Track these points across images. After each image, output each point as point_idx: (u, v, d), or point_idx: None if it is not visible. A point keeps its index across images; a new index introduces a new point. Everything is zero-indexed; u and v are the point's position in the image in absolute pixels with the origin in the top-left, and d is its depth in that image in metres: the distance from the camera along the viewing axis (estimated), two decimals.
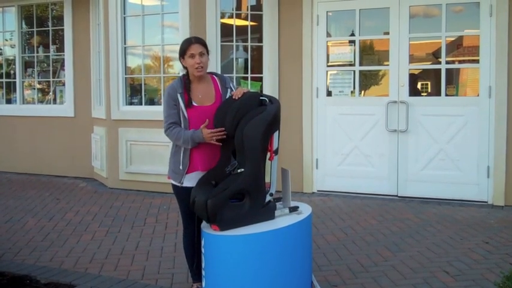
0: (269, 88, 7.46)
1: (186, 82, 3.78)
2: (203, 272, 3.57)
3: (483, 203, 6.71)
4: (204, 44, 3.80)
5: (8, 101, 9.92)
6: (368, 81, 7.63)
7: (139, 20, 7.86)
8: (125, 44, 7.93)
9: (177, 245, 5.24)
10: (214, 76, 3.92)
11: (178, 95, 3.73)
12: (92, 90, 8.89)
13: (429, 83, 7.62)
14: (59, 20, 9.33)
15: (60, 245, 5.39)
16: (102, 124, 8.30)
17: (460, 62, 7.29)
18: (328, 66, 7.44)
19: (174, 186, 3.88)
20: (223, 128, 3.58)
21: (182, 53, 3.77)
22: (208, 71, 3.90)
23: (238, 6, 7.83)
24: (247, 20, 7.69)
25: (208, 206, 3.34)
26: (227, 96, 3.80)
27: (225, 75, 4.13)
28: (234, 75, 7.63)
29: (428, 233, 5.58)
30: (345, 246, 5.19)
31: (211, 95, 3.81)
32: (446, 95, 6.93)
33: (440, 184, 6.89)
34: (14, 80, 9.74)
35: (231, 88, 3.86)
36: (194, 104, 3.75)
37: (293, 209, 3.73)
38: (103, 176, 8.37)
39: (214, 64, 7.26)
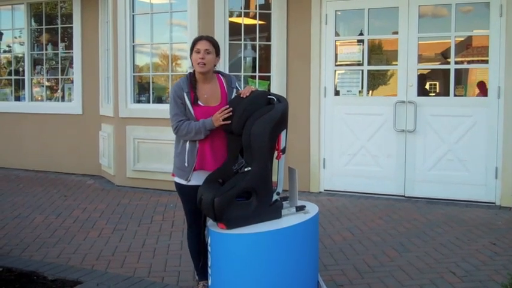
0: (277, 87, 7.45)
1: (192, 80, 3.79)
2: (209, 270, 3.57)
3: (491, 204, 6.68)
4: (213, 42, 3.79)
5: (17, 98, 9.95)
6: (376, 80, 7.61)
7: (148, 18, 7.87)
8: (133, 42, 7.95)
9: (184, 243, 5.23)
10: (220, 75, 3.93)
11: (185, 94, 3.73)
12: (100, 88, 8.91)
13: (438, 83, 7.60)
14: (67, 17, 9.36)
15: (67, 241, 5.41)
16: (110, 122, 8.33)
17: (469, 62, 7.26)
18: (336, 65, 7.42)
19: (178, 184, 3.88)
20: (229, 106, 3.59)
21: (191, 49, 3.80)
22: (215, 69, 3.91)
23: (247, 5, 7.83)
24: (255, 18, 7.68)
25: (215, 204, 3.34)
26: (233, 96, 3.80)
27: (231, 74, 4.13)
28: (242, 73, 7.63)
29: (435, 233, 5.56)
30: (351, 246, 5.18)
31: (217, 95, 3.81)
32: (455, 95, 6.90)
33: (448, 185, 6.87)
34: (22, 77, 9.79)
35: (236, 88, 3.86)
36: (200, 103, 3.75)
37: (300, 208, 3.73)
38: (110, 173, 8.39)
39: (222, 63, 7.26)
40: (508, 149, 6.58)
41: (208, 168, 3.72)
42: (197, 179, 3.72)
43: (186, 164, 3.76)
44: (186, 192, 3.80)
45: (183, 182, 3.81)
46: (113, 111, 8.19)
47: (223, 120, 3.59)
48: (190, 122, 3.70)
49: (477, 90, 7.13)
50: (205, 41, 3.77)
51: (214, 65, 3.84)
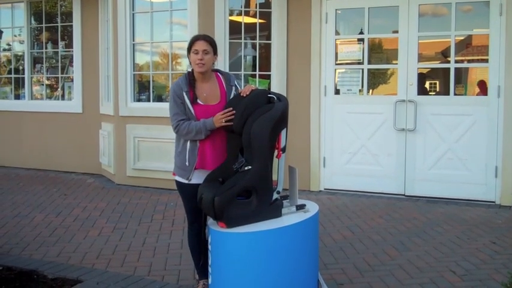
0: (277, 86, 7.45)
1: (191, 79, 3.79)
2: (209, 269, 3.57)
3: (491, 203, 6.68)
4: (210, 42, 3.79)
5: (17, 97, 9.95)
6: (376, 79, 7.61)
7: (148, 17, 7.87)
8: (133, 40, 7.95)
9: (184, 242, 5.24)
10: (218, 74, 3.93)
11: (184, 93, 3.74)
12: (100, 87, 8.91)
13: (438, 82, 7.60)
14: (67, 16, 9.36)
15: (67, 240, 5.42)
16: (110, 120, 8.33)
17: (469, 61, 7.27)
18: (336, 64, 7.42)
19: (178, 183, 3.88)
20: (231, 108, 3.59)
21: (189, 48, 3.80)
22: (214, 68, 3.92)
23: (247, 4, 7.83)
24: (255, 17, 7.68)
25: (215, 203, 3.34)
26: (232, 94, 3.81)
27: (231, 72, 4.13)
28: (242, 72, 7.63)
29: (435, 232, 5.56)
30: (351, 245, 5.18)
31: (216, 94, 3.82)
32: (455, 94, 6.90)
33: (448, 183, 6.87)
34: (22, 76, 9.78)
35: (235, 86, 3.88)
36: (199, 102, 3.76)
37: (300, 207, 3.73)
38: (110, 172, 8.39)
39: (222, 61, 7.26)
40: (507, 148, 6.58)
41: (209, 167, 3.72)
42: (198, 177, 3.73)
43: (186, 164, 3.77)
44: (187, 191, 3.81)
45: (184, 180, 3.81)
46: (113, 110, 8.19)
47: (226, 121, 3.59)
48: (190, 122, 3.71)
49: (477, 89, 7.13)
50: (202, 41, 3.77)
51: (213, 63, 3.85)
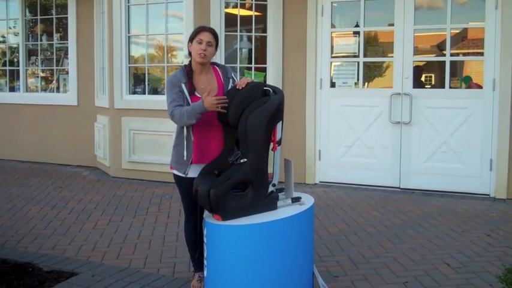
0: (273, 79, 7.44)
1: (188, 71, 3.78)
2: (205, 262, 3.58)
3: (485, 196, 6.71)
4: (215, 35, 3.79)
5: (12, 89, 9.92)
6: (372, 72, 7.61)
7: (144, 9, 7.84)
8: (128, 33, 7.92)
9: (179, 234, 5.25)
10: (216, 66, 3.92)
11: (183, 84, 3.72)
12: (96, 79, 8.89)
13: (433, 75, 7.60)
14: (62, 8, 9.32)
15: (62, 233, 5.41)
16: (106, 113, 8.31)
17: (464, 54, 7.27)
18: (332, 57, 7.41)
19: (176, 176, 3.88)
20: (226, 97, 3.58)
21: (192, 38, 3.77)
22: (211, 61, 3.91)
23: None
24: (251, 10, 7.66)
25: (211, 195, 3.34)
26: (229, 86, 3.80)
27: (227, 65, 4.12)
28: (238, 65, 7.61)
29: (430, 225, 5.58)
30: (346, 238, 5.20)
31: (213, 86, 3.81)
32: (450, 87, 6.91)
33: (443, 176, 6.89)
34: (17, 68, 9.75)
35: (232, 78, 3.87)
36: (197, 94, 3.74)
37: (295, 200, 3.73)
38: (106, 164, 8.38)
39: (218, 54, 7.21)
40: (502, 141, 6.60)
41: (206, 161, 3.71)
42: (195, 171, 3.71)
43: (184, 158, 3.76)
44: (184, 185, 3.80)
45: (181, 174, 3.81)
46: (108, 103, 8.17)
47: (222, 109, 3.57)
48: (182, 107, 3.68)
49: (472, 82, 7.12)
50: (208, 33, 3.76)
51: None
